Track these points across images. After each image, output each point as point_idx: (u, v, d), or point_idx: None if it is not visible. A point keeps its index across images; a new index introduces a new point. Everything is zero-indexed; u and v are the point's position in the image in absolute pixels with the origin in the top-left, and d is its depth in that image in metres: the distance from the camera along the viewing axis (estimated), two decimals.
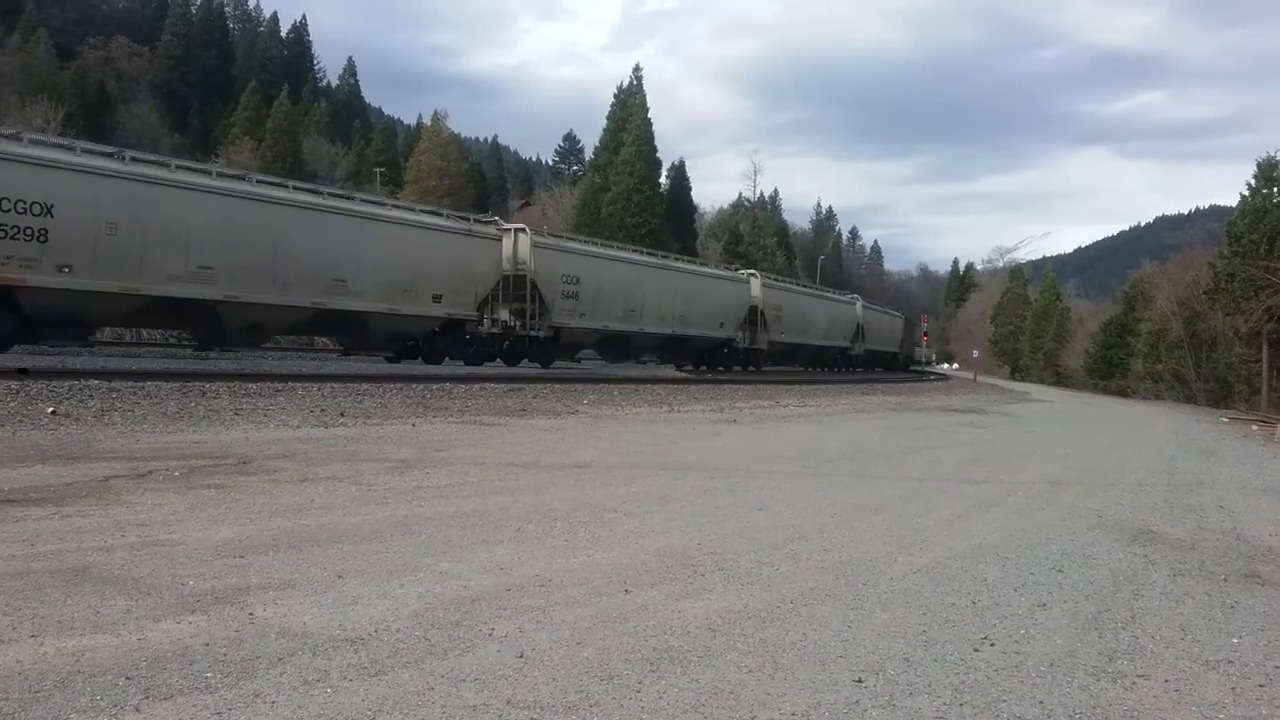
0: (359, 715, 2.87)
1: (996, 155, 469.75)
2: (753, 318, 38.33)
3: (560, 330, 27.45)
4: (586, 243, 32.74)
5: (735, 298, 37.45)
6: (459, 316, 24.37)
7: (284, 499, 6.33)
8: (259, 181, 20.77)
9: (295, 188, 21.67)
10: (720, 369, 37.22)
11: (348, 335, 24.21)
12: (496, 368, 25.39)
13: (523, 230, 26.95)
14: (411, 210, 25.50)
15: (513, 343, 26.81)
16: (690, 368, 37.08)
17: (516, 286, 25.89)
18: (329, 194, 23.09)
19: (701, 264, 42.62)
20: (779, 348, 41.14)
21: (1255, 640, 4.31)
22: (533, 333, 26.51)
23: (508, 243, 26.03)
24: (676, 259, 37.60)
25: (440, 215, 25.91)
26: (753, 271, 41.50)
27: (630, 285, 30.64)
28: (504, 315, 26.04)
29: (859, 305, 52.50)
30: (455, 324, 24.53)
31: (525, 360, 27.21)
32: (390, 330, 23.18)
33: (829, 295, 51.06)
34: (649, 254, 34.91)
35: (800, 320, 43.04)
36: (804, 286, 51.28)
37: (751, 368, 38.83)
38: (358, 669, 3.26)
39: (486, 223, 26.84)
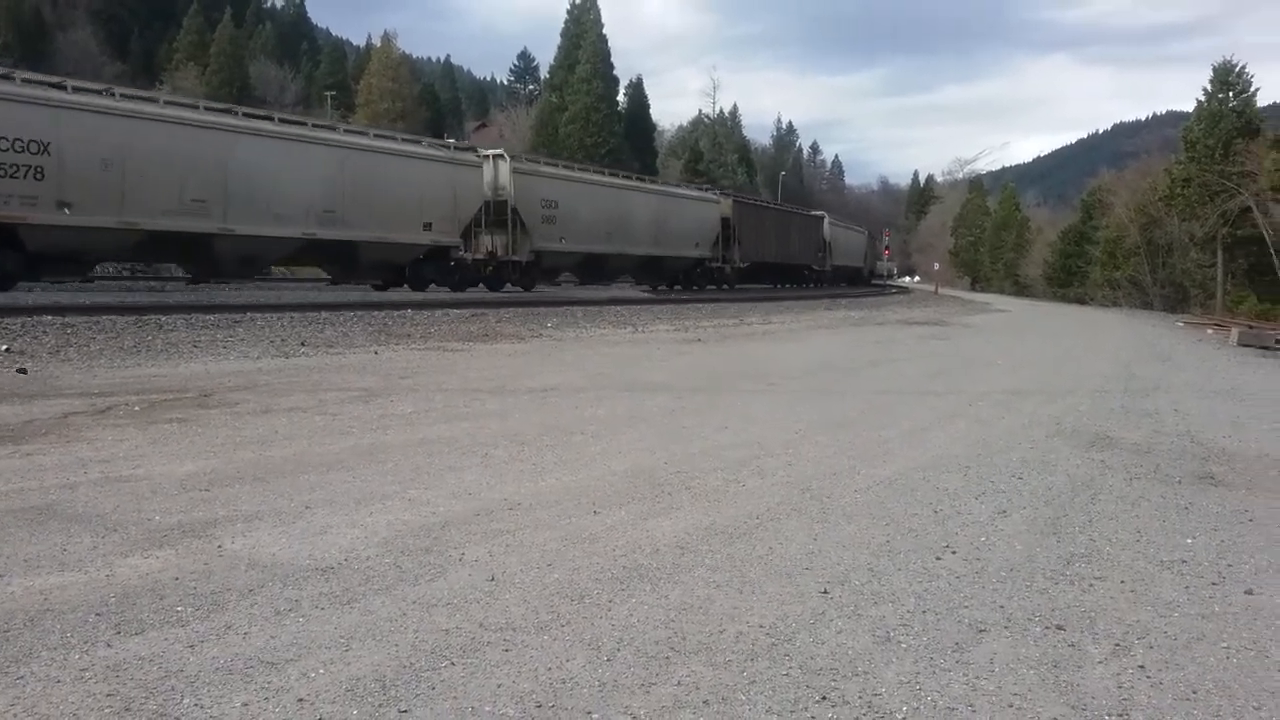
0: (332, 643, 2.88)
1: (956, 65, 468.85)
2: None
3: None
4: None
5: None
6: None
7: (247, 431, 6.28)
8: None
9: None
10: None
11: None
12: (480, 293, 25.18)
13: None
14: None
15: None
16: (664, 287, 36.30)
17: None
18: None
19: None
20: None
21: (1208, 540, 4.44)
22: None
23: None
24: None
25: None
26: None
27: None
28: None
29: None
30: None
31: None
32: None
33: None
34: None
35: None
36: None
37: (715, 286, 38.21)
38: (329, 598, 3.27)
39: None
